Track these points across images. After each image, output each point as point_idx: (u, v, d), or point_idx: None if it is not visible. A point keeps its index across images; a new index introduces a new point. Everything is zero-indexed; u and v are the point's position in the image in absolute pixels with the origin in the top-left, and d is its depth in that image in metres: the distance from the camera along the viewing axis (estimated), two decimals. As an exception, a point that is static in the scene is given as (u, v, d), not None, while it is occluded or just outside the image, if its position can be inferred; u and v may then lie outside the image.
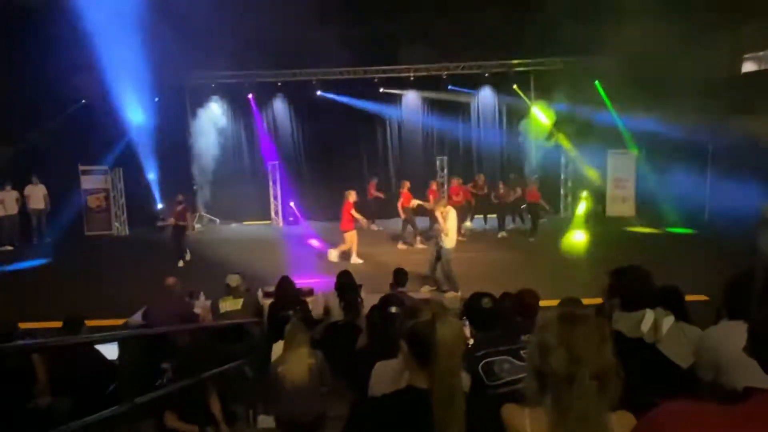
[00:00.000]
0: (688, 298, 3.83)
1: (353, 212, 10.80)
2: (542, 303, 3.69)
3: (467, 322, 2.69)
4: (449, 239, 8.32)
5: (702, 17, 10.57)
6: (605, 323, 1.50)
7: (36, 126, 13.03)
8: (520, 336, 2.36)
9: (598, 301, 4.20)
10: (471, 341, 2.92)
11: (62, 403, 3.81)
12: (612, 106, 14.44)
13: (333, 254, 10.89)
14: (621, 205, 15.07)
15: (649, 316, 2.52)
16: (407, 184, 12.85)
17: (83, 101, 13.81)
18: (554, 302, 4.03)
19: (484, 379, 2.29)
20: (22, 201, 13.30)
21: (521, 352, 2.22)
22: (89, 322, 5.12)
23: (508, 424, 1.52)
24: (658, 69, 11.92)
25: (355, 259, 10.73)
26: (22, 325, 5.34)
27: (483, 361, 2.34)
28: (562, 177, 15.69)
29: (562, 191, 15.75)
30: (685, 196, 12.63)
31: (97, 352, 4.47)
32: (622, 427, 1.45)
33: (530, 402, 1.49)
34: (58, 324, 4.86)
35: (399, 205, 12.45)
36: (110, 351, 4.75)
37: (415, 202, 11.91)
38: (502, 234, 13.08)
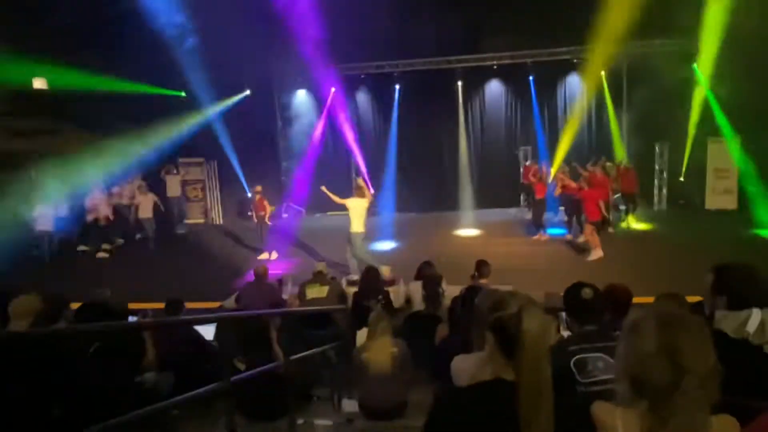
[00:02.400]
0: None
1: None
2: (637, 300, 3.51)
3: (562, 315, 2.61)
4: (353, 224, 9.15)
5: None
6: (706, 324, 1.42)
7: (138, 119, 13.93)
8: (614, 333, 2.28)
9: (696, 298, 3.95)
10: (565, 334, 2.85)
11: (166, 379, 4.13)
12: (711, 91, 13.40)
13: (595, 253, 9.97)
14: (722, 197, 13.99)
15: (756, 316, 2.34)
16: (543, 174, 12.38)
17: (182, 94, 14.66)
18: (649, 299, 3.84)
19: (576, 375, 2.24)
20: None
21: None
22: (188, 305, 5.51)
23: (598, 422, 1.48)
24: (761, 50, 10.87)
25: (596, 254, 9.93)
26: (130, 306, 5.84)
27: (576, 357, 2.29)
28: (657, 167, 14.78)
29: (656, 182, 14.84)
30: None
31: (197, 333, 4.79)
32: (724, 432, 1.37)
33: (623, 403, 1.45)
34: (160, 305, 5.26)
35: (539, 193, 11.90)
36: (208, 332, 5.08)
37: (558, 189, 11.43)
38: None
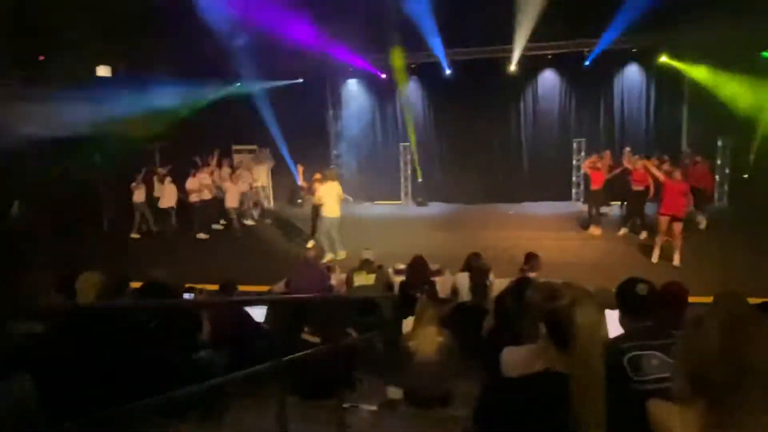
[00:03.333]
0: None
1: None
2: (692, 299, 3.40)
3: (614, 311, 2.55)
4: (325, 208, 10.25)
5: None
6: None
7: (193, 107, 14.28)
8: (671, 331, 2.22)
9: (757, 300, 3.78)
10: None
11: (220, 357, 4.29)
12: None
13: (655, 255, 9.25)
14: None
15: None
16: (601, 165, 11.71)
17: (238, 84, 14.97)
18: (704, 299, 3.71)
19: (629, 372, 2.19)
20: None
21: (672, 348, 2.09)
22: (241, 287, 5.69)
23: (654, 420, 1.45)
24: None
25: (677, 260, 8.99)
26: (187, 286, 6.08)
27: (630, 354, 2.24)
28: (719, 162, 14.08)
29: (717, 178, 14.12)
30: None
31: (248, 314, 4.94)
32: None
33: (681, 402, 1.41)
34: (215, 287, 5.47)
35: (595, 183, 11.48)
36: (258, 313, 5.23)
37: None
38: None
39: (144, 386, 2.90)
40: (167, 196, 12.74)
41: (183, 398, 2.44)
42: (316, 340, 4.06)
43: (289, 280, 6.64)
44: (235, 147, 15.87)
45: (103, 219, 13.94)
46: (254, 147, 15.87)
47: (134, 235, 12.77)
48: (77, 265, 4.67)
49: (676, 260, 8.96)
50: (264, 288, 7.46)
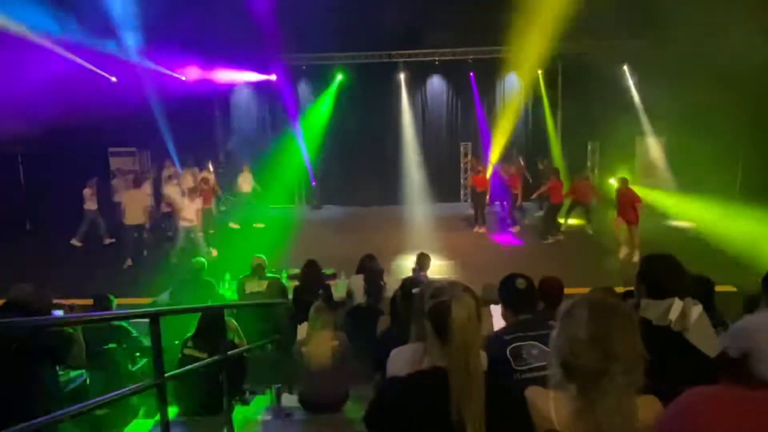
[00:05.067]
0: (716, 288, 3.78)
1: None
2: (568, 291, 3.66)
3: (499, 305, 2.67)
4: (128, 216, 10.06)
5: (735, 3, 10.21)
6: (635, 313, 1.50)
7: (66, 105, 13.01)
8: (548, 322, 2.37)
9: (622, 289, 4.17)
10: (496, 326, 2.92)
11: (95, 377, 3.94)
12: (640, 90, 14.13)
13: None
14: (649, 194, 14.78)
15: (677, 304, 2.49)
16: (482, 168, 12.83)
17: (113, 79, 13.88)
18: (580, 290, 4.02)
19: (511, 362, 2.30)
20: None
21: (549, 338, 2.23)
22: (120, 301, 5.27)
23: (532, 406, 1.53)
24: (687, 53, 11.55)
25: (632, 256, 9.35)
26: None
27: (511, 345, 2.35)
28: (589, 164, 15.43)
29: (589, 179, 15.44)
30: (717, 183, 12.31)
31: (126, 329, 4.59)
32: (647, 413, 1.45)
33: (555, 387, 1.50)
34: (89, 301, 5.00)
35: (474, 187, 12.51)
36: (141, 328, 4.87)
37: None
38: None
39: (7, 414, 2.60)
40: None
41: (49, 424, 2.20)
42: (203, 356, 3.85)
43: (174, 290, 6.27)
44: (111, 149, 14.71)
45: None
46: (133, 149, 14.83)
47: (75, 243, 11.43)
48: None
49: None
50: (146, 300, 6.99)
